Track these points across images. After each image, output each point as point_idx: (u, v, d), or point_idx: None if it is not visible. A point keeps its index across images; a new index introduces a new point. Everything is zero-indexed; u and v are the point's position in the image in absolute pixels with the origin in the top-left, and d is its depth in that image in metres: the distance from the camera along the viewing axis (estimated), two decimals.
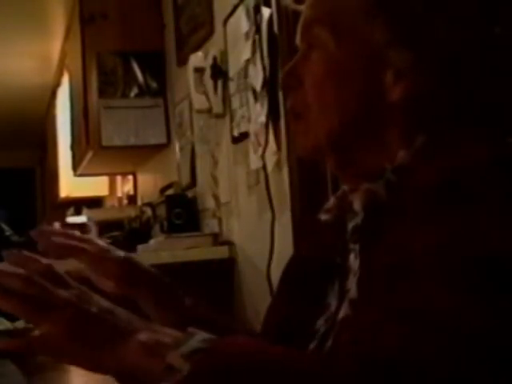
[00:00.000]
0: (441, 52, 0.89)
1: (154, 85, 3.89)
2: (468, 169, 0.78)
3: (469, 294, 0.68)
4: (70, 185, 5.68)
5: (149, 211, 3.69)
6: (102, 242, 1.14)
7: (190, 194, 3.48)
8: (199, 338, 0.74)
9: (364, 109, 0.93)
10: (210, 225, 3.25)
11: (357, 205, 0.91)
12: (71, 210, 5.80)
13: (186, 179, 3.58)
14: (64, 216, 5.96)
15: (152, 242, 3.33)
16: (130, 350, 0.75)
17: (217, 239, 3.15)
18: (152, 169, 4.44)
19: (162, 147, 3.95)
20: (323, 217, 1.01)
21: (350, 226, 0.92)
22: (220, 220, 3.16)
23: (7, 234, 3.25)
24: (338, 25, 0.94)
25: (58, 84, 5.87)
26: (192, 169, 3.49)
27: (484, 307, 0.68)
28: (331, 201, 1.03)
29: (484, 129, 0.87)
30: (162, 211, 3.42)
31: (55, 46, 5.35)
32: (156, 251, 3.12)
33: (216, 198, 3.17)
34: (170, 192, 3.71)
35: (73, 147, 4.91)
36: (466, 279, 0.69)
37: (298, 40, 1.02)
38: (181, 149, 3.68)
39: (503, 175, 0.76)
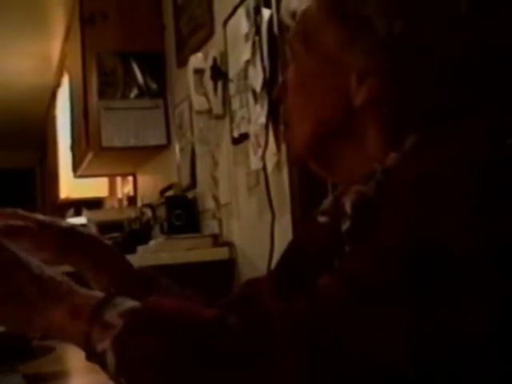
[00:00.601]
0: (398, 52, 0.90)
1: (153, 86, 3.89)
2: (442, 167, 0.79)
3: (406, 274, 0.71)
4: (69, 186, 5.68)
5: (149, 212, 3.68)
6: (44, 217, 1.18)
7: (190, 195, 3.47)
8: (125, 301, 0.81)
9: (335, 115, 0.96)
10: (210, 226, 3.25)
11: (348, 207, 0.92)
12: (71, 211, 5.80)
13: (186, 180, 3.58)
14: (64, 217, 5.95)
15: (152, 243, 3.33)
16: (58, 314, 0.81)
17: (217, 240, 3.15)
18: (152, 170, 4.44)
19: (162, 148, 3.94)
20: (320, 219, 1.03)
21: (344, 228, 0.93)
22: (220, 221, 3.16)
23: None
24: (307, 36, 0.99)
25: (57, 85, 5.86)
26: (192, 170, 3.49)
27: (415, 287, 0.71)
28: (328, 201, 1.05)
29: (470, 127, 0.87)
30: (162, 212, 3.42)
31: (55, 47, 5.35)
32: (156, 252, 3.12)
33: (216, 199, 3.16)
34: (169, 193, 3.71)
35: (73, 148, 4.91)
36: (409, 263, 0.72)
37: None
38: (181, 150, 3.67)
39: (473, 174, 0.76)
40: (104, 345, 0.78)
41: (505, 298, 0.70)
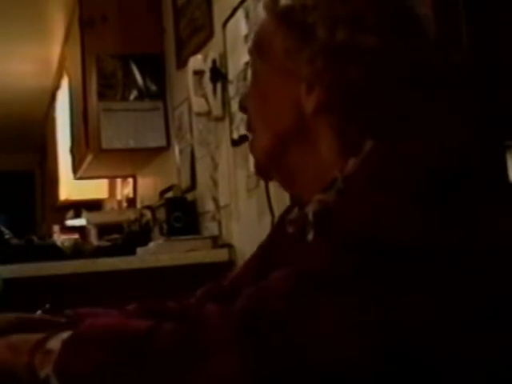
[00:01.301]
0: (341, 59, 0.92)
1: (153, 88, 3.89)
2: (393, 170, 0.82)
3: (352, 265, 0.74)
4: (69, 188, 5.67)
5: (148, 214, 3.68)
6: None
7: (189, 196, 3.47)
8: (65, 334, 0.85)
9: (289, 124, 0.97)
10: (210, 228, 3.25)
11: (310, 216, 0.94)
12: (71, 212, 5.80)
13: (185, 182, 3.58)
14: (63, 219, 5.96)
15: (151, 244, 3.33)
16: None
17: (216, 242, 3.15)
18: (152, 172, 4.44)
19: (162, 150, 3.94)
20: (289, 229, 1.05)
21: (309, 237, 0.95)
22: (220, 223, 3.15)
23: (7, 237, 3.25)
24: (260, 46, 1.02)
25: (57, 87, 5.86)
26: (192, 172, 3.49)
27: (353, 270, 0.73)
28: (295, 211, 1.06)
29: (417, 133, 0.89)
30: (161, 214, 3.42)
31: (55, 49, 5.35)
32: (155, 254, 3.12)
33: (216, 200, 3.16)
34: (169, 195, 3.71)
35: (72, 150, 4.91)
36: (347, 253, 0.75)
37: None
38: (180, 152, 3.67)
39: (420, 175, 0.79)
40: (47, 370, 0.81)
41: (449, 290, 0.72)
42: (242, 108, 1.08)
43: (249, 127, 1.06)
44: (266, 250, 1.18)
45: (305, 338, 0.72)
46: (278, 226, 1.17)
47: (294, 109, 0.96)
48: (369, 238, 0.74)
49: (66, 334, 0.85)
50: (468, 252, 0.74)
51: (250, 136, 1.07)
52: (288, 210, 1.16)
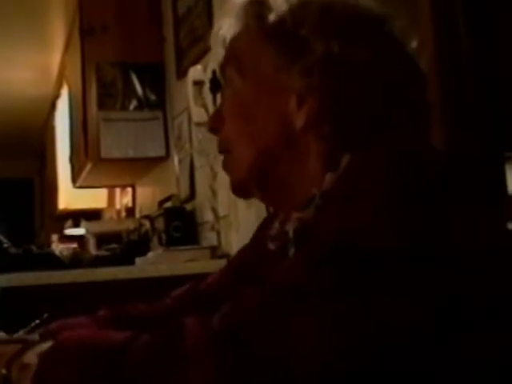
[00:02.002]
0: (336, 72, 0.92)
1: (153, 97, 3.89)
2: (366, 182, 0.82)
3: (325, 275, 0.73)
4: (68, 196, 5.67)
5: (147, 224, 3.68)
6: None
7: (188, 206, 3.47)
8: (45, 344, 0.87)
9: (277, 139, 0.96)
10: (209, 238, 3.24)
11: (291, 234, 0.94)
12: (69, 221, 5.79)
13: (184, 192, 3.58)
14: (62, 228, 5.96)
15: (150, 254, 3.32)
16: None
17: (215, 252, 3.15)
18: (151, 181, 4.44)
19: (161, 160, 3.94)
20: (270, 246, 1.04)
21: (290, 254, 0.94)
22: (219, 233, 3.15)
23: (5, 245, 3.24)
24: (240, 62, 1.00)
25: (57, 95, 5.87)
26: (191, 181, 3.49)
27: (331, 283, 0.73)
28: (276, 227, 1.05)
29: (391, 146, 0.89)
30: (160, 224, 3.42)
31: (55, 58, 5.36)
32: (154, 264, 3.11)
33: (215, 211, 3.16)
34: (168, 205, 3.71)
35: (72, 159, 4.91)
36: (326, 262, 0.75)
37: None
38: (180, 161, 3.67)
39: (393, 188, 0.79)
40: None
41: (429, 292, 0.72)
42: (213, 129, 1.06)
43: (223, 148, 1.04)
44: (245, 262, 1.18)
45: (284, 350, 0.72)
46: (258, 238, 1.16)
47: (282, 123, 0.95)
48: (345, 248, 0.74)
49: (40, 348, 0.85)
50: (443, 253, 0.74)
51: (224, 156, 1.05)
52: (267, 223, 1.15)
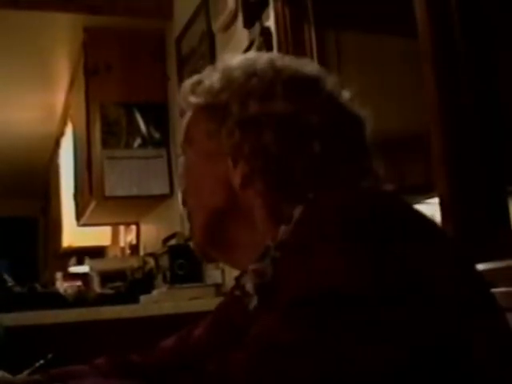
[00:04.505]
0: (253, 130, 0.97)
1: (157, 135, 3.92)
2: (320, 228, 0.82)
3: (306, 326, 0.73)
4: (72, 234, 5.67)
5: (151, 261, 3.68)
6: None
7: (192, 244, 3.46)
8: None
9: (221, 200, 1.02)
10: (213, 275, 3.24)
11: (249, 287, 0.97)
12: (73, 259, 5.79)
13: (188, 229, 3.57)
14: (66, 266, 5.94)
15: (155, 292, 3.32)
16: None
17: (220, 290, 3.14)
18: (155, 219, 4.44)
19: (165, 198, 3.95)
20: (236, 293, 1.06)
21: (251, 307, 0.97)
22: (223, 271, 3.15)
23: (9, 284, 3.24)
24: (188, 135, 1.08)
25: (61, 134, 5.90)
26: None
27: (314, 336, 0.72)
28: (234, 280, 1.07)
29: (338, 191, 0.91)
30: (164, 262, 3.41)
31: (59, 97, 5.39)
32: (159, 302, 3.10)
33: None
34: (172, 242, 3.71)
35: (76, 197, 4.92)
36: (303, 313, 0.74)
37: None
38: None
39: (347, 230, 0.80)
40: None
41: (399, 332, 0.73)
42: (183, 203, 1.13)
43: (188, 217, 1.11)
44: (225, 313, 1.18)
45: None
46: (233, 289, 1.18)
47: (224, 185, 1.00)
48: (316, 296, 0.74)
49: None
50: (408, 289, 0.75)
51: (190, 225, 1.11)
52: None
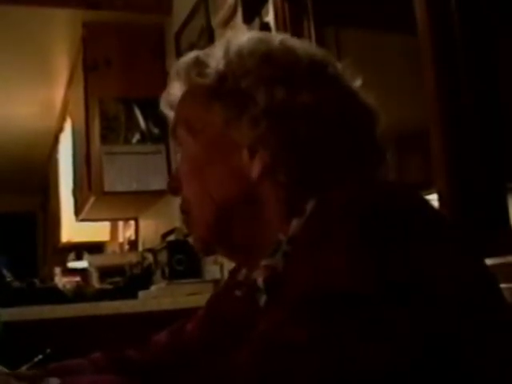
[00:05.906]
0: (282, 120, 0.93)
1: (155, 131, 3.91)
2: (331, 224, 0.81)
3: (310, 324, 0.73)
4: (71, 230, 5.67)
5: (150, 257, 3.68)
6: None
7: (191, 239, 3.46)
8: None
9: (234, 192, 0.97)
10: (212, 271, 3.24)
11: (260, 282, 0.94)
12: (72, 255, 5.79)
13: (185, 224, 3.57)
14: (65, 261, 5.95)
15: (153, 288, 3.32)
16: None
17: (218, 285, 3.14)
18: (154, 214, 4.44)
19: (164, 193, 3.94)
20: (237, 292, 1.05)
21: (261, 302, 0.95)
22: (221, 266, 3.15)
23: (8, 280, 3.24)
24: (189, 122, 1.01)
25: (60, 129, 5.90)
26: None
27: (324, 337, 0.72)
28: (243, 272, 1.06)
29: (351, 186, 0.89)
30: (163, 257, 3.42)
31: (58, 93, 5.39)
32: (157, 297, 3.11)
33: None
34: (171, 238, 3.71)
35: (75, 192, 4.92)
36: (310, 312, 0.74)
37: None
38: None
39: (356, 228, 0.78)
40: None
41: (403, 331, 0.72)
42: (172, 191, 1.06)
43: (183, 208, 1.04)
44: (219, 310, 1.17)
45: None
46: (228, 285, 1.17)
47: (238, 177, 0.96)
48: (322, 294, 0.74)
49: None
50: (418, 291, 0.74)
51: (185, 217, 1.05)
52: (237, 269, 1.15)
